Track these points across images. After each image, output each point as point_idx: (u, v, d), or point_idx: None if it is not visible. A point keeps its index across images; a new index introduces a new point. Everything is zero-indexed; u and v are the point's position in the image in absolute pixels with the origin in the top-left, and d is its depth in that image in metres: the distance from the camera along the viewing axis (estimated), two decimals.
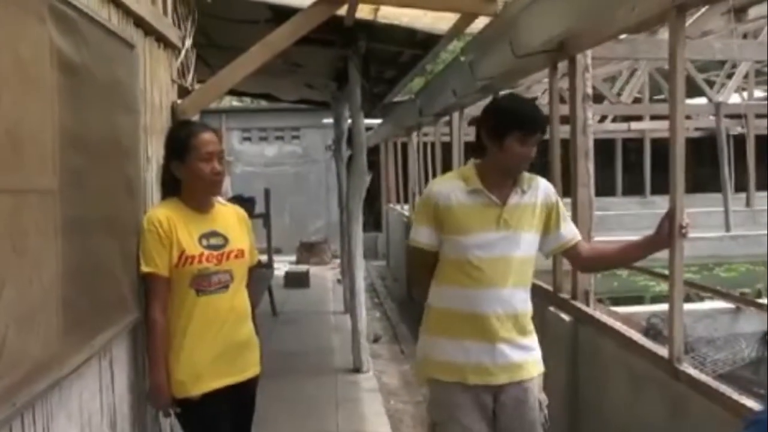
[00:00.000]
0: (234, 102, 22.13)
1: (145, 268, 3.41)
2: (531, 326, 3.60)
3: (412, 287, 4.03)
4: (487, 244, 3.44)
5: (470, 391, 3.50)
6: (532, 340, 3.59)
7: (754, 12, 6.52)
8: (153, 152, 3.81)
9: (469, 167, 3.60)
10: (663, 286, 4.34)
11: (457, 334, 3.49)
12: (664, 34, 4.52)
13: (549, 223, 3.60)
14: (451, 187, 3.54)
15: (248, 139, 21.67)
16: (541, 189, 3.59)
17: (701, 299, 7.63)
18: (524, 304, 3.55)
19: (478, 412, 3.52)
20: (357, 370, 7.97)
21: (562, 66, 5.61)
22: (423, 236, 3.57)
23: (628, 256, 3.76)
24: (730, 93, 13.80)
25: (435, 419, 3.62)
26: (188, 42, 4.65)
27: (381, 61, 8.48)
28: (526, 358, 3.55)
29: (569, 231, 3.66)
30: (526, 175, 3.56)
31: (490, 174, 3.50)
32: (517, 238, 3.48)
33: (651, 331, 5.86)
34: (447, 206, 3.49)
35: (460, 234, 3.46)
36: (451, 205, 3.48)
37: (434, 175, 12.48)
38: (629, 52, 6.57)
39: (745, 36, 9.20)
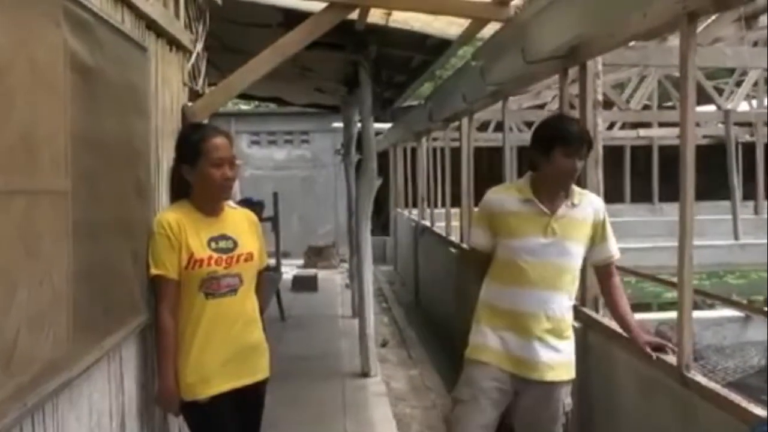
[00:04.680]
0: (243, 105, 22.15)
1: (154, 271, 3.41)
2: (569, 332, 3.91)
3: (472, 278, 4.37)
4: (534, 248, 3.79)
5: (498, 379, 3.82)
6: (568, 345, 3.90)
7: (764, 19, 6.52)
8: (164, 155, 3.81)
9: (525, 179, 3.94)
10: (672, 294, 4.35)
11: (499, 326, 3.86)
12: (674, 41, 4.52)
13: (595, 237, 3.92)
14: (505, 196, 3.92)
15: (257, 142, 21.68)
16: (592, 204, 3.93)
17: (710, 307, 7.60)
18: (563, 309, 3.85)
19: (498, 400, 3.84)
20: (365, 374, 7.97)
21: (573, 72, 5.60)
22: (478, 238, 4.00)
23: (618, 321, 4.16)
24: (740, 101, 13.77)
25: (459, 396, 3.92)
26: (199, 45, 4.66)
27: (391, 65, 8.48)
28: (558, 360, 3.83)
29: (607, 249, 3.98)
30: (577, 190, 3.93)
31: (542, 186, 3.84)
32: (562, 246, 3.81)
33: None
34: (501, 212, 3.88)
35: (511, 238, 3.83)
36: (505, 212, 3.86)
37: (443, 181, 12.49)
38: (640, 58, 6.57)
39: (755, 44, 9.18)
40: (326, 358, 8.85)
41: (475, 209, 4.60)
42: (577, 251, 3.85)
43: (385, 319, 12.14)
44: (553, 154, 3.74)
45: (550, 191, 3.82)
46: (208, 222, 3.56)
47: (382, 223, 19.64)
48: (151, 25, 3.67)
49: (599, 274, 4.14)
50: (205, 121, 4.44)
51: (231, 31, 6.68)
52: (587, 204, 3.90)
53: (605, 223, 3.94)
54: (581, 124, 4.02)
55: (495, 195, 3.98)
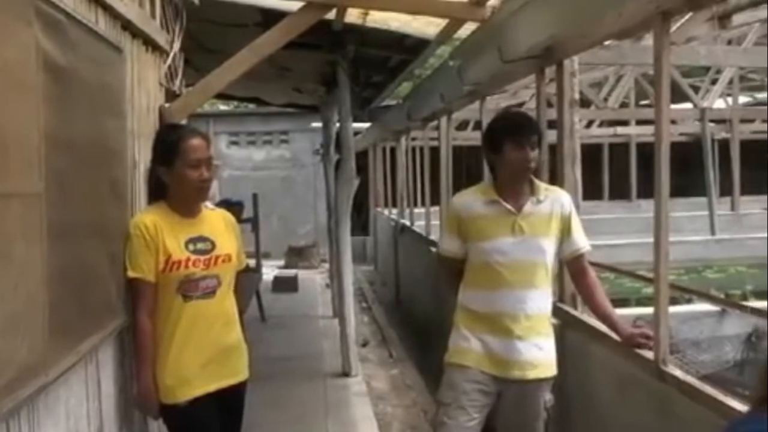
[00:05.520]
0: (221, 106, 22.07)
1: (131, 273, 3.38)
2: (549, 329, 3.93)
3: (446, 289, 4.43)
4: (505, 249, 3.79)
5: (480, 382, 3.82)
6: (548, 341, 3.92)
7: (738, 19, 6.55)
8: (140, 156, 3.78)
9: (488, 181, 4.02)
10: (650, 289, 4.38)
11: (478, 329, 3.85)
12: (649, 40, 4.53)
13: (563, 232, 3.92)
14: (471, 200, 3.93)
15: (236, 143, 21.62)
16: (558, 199, 3.93)
17: (688, 302, 7.65)
18: (540, 305, 3.87)
19: (482, 403, 3.83)
20: (346, 374, 7.95)
21: (550, 71, 5.61)
22: (449, 245, 4.01)
23: (599, 317, 4.15)
24: (715, 98, 13.85)
25: (443, 400, 3.91)
26: (176, 45, 4.62)
27: (370, 65, 8.47)
28: (540, 358, 3.84)
29: (574, 242, 3.96)
30: (543, 185, 3.95)
31: (504, 186, 3.86)
32: (532, 243, 3.81)
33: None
34: (468, 217, 3.89)
35: (481, 240, 3.84)
36: (472, 216, 3.88)
37: (423, 180, 12.50)
38: (615, 57, 6.61)
39: (729, 42, 9.24)
40: (307, 359, 8.83)
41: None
42: (548, 247, 3.84)
43: (365, 318, 12.15)
44: (504, 149, 3.77)
45: (513, 189, 3.84)
46: (186, 223, 3.54)
47: (361, 223, 19.63)
48: (127, 26, 3.64)
49: (571, 269, 4.14)
50: (183, 122, 4.41)
51: (208, 31, 6.64)
52: (553, 199, 3.90)
53: (572, 216, 3.94)
54: (527, 114, 4.07)
55: (460, 200, 4.02)
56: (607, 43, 5.36)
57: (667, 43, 3.74)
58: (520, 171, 3.80)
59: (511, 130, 3.77)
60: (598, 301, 4.03)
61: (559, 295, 5.15)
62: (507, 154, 3.76)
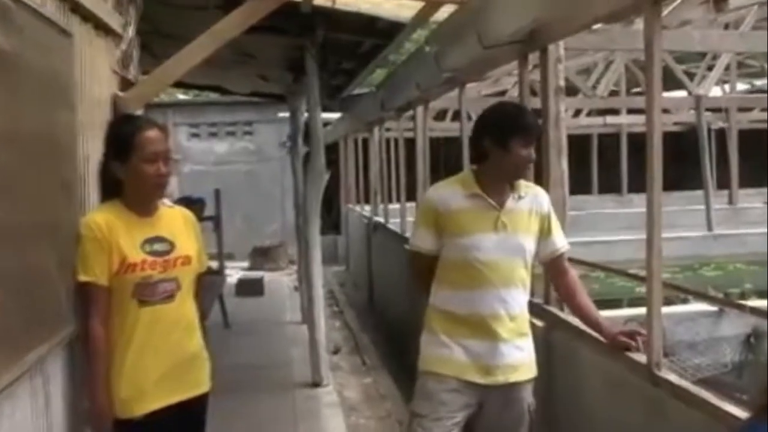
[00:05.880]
0: (180, 95, 21.96)
1: (82, 277, 3.35)
2: (527, 329, 3.96)
3: (415, 289, 4.44)
4: (485, 245, 3.81)
5: (460, 391, 3.82)
6: (528, 342, 3.96)
7: (735, 1, 6.61)
8: (91, 150, 3.76)
9: (467, 173, 3.98)
10: (642, 289, 4.41)
11: (458, 334, 3.85)
12: (640, 24, 4.56)
13: (542, 231, 3.97)
14: (449, 192, 3.93)
15: (197, 135, 21.53)
16: (537, 197, 3.99)
17: (683, 301, 7.70)
18: (522, 305, 3.92)
19: (461, 414, 3.83)
20: (316, 384, 7.94)
21: (533, 57, 5.64)
22: (422, 240, 3.99)
23: (582, 319, 4.21)
24: (711, 85, 13.96)
25: (417, 411, 3.90)
26: (131, 29, 4.60)
27: (340, 51, 8.46)
28: (523, 360, 3.91)
29: (553, 242, 4.03)
30: (522, 182, 3.96)
31: (488, 179, 3.87)
32: (514, 241, 3.85)
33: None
34: (447, 210, 3.87)
35: (460, 236, 3.83)
36: (451, 210, 3.86)
37: (398, 174, 12.51)
38: (604, 42, 6.63)
39: (726, 26, 9.32)
40: (274, 368, 8.81)
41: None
42: (528, 245, 3.89)
43: (336, 323, 12.15)
44: (511, 145, 3.77)
45: (498, 184, 3.87)
46: (142, 223, 3.52)
47: (332, 221, 19.61)
48: (76, 8, 3.62)
49: (551, 270, 4.21)
50: (139, 113, 4.40)
51: (166, 14, 6.61)
52: (533, 196, 3.96)
53: (551, 215, 4.01)
54: (532, 112, 4.09)
55: (438, 192, 4.01)
56: (595, 27, 5.37)
57: (659, 28, 3.77)
58: (521, 170, 3.87)
59: (523, 128, 3.80)
60: (580, 302, 4.08)
61: (545, 297, 5.18)
62: (514, 151, 3.77)
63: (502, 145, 3.78)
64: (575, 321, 4.70)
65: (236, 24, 4.88)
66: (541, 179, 5.21)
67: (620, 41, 6.66)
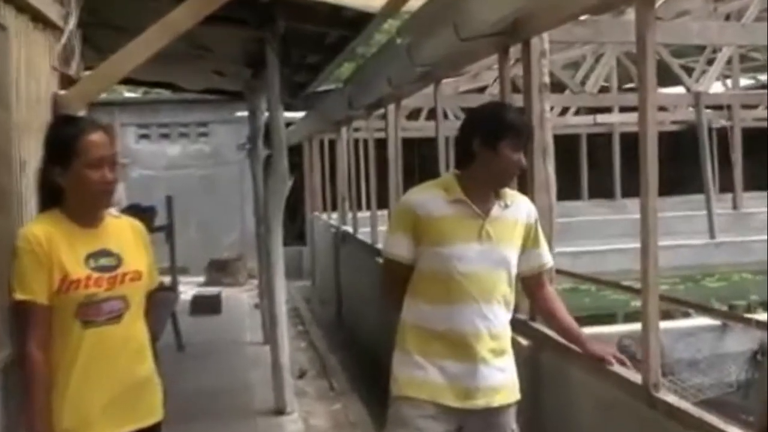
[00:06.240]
0: (128, 93, 21.89)
1: (19, 295, 3.33)
2: (509, 348, 3.98)
3: (385, 302, 4.40)
4: (469, 256, 3.82)
5: (437, 417, 3.83)
6: (510, 362, 3.98)
7: None
8: (29, 155, 3.75)
9: (450, 177, 4.00)
10: (638, 302, 4.45)
11: (435, 353, 3.85)
12: (632, 14, 4.61)
13: (526, 242, 4.00)
14: (430, 197, 3.93)
15: (146, 136, 21.48)
16: (523, 206, 4.03)
17: (684, 315, 7.75)
18: (504, 323, 3.94)
19: None
20: (280, 411, 7.94)
21: (515, 51, 5.67)
22: (399, 248, 3.97)
23: (562, 334, 4.30)
24: (712, 81, 14.08)
25: None
26: (72, 21, 4.60)
27: (303, 43, 8.48)
28: (505, 382, 3.93)
29: (539, 255, 4.08)
30: (508, 190, 3.98)
31: (474, 184, 3.88)
32: (498, 253, 3.88)
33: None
34: (427, 216, 3.86)
35: (440, 245, 3.83)
36: (432, 216, 3.86)
37: (368, 178, 12.53)
38: (592, 35, 6.67)
39: (727, 17, 9.40)
40: (233, 394, 8.80)
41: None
42: (512, 257, 3.92)
43: (302, 344, 12.13)
44: (501, 148, 3.79)
45: (483, 190, 3.88)
46: (86, 235, 3.51)
47: (296, 231, 19.62)
48: None
49: (530, 285, 4.21)
50: (81, 113, 4.39)
51: (111, 4, 6.60)
52: (519, 205, 4.00)
53: (537, 226, 4.04)
54: (525, 114, 4.12)
55: (417, 196, 3.99)
56: (582, 17, 5.42)
57: (652, 19, 3.82)
58: (510, 175, 3.91)
59: (514, 129, 3.83)
60: (561, 317, 4.16)
61: (530, 313, 5.22)
62: (503, 155, 3.79)
63: (491, 147, 3.80)
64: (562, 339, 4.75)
65: (190, 14, 4.87)
66: (525, 184, 5.24)
67: (610, 33, 6.73)
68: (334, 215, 16.04)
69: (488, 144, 3.81)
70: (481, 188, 3.88)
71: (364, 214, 13.25)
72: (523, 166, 3.91)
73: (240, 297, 15.92)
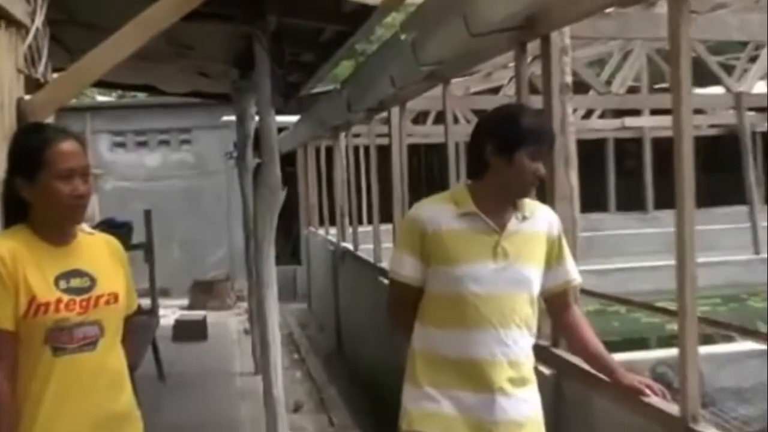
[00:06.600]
0: (101, 97, 21.94)
1: None
2: (533, 377, 3.94)
3: (392, 329, 4.38)
4: (482, 276, 3.79)
5: None
6: (533, 393, 3.94)
7: None
8: None
9: (461, 188, 4.00)
10: (674, 325, 4.43)
11: (448, 384, 3.83)
12: (663, 6, 4.62)
13: (550, 258, 3.97)
14: (439, 210, 3.91)
15: (122, 144, 21.52)
16: (545, 217, 4.00)
17: (728, 340, 7.74)
18: (526, 349, 3.90)
19: None
20: None
21: (533, 47, 5.67)
22: (407, 268, 3.95)
23: (589, 362, 4.25)
24: (754, 81, 14.02)
25: None
26: (39, 19, 4.61)
27: (297, 40, 8.49)
28: (527, 415, 3.88)
29: (565, 271, 4.04)
30: (527, 201, 3.95)
31: (488, 196, 3.86)
32: (517, 271, 3.84)
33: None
34: (436, 232, 3.85)
35: (451, 264, 3.81)
36: (441, 231, 3.84)
37: (369, 189, 12.53)
38: (619, 29, 6.66)
39: None
40: (220, 430, 8.80)
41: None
42: (534, 275, 3.89)
43: (297, 374, 12.15)
44: (518, 157, 3.76)
45: (498, 202, 3.86)
46: (56, 254, 3.52)
47: (290, 248, 19.65)
48: None
49: (554, 305, 4.16)
50: (49, 120, 4.40)
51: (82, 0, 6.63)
52: (540, 217, 3.97)
53: (561, 239, 4.01)
54: (547, 118, 4.05)
55: (425, 210, 3.97)
56: (608, 10, 5.42)
57: (687, 12, 3.81)
58: (528, 187, 3.86)
59: (534, 136, 3.79)
60: (588, 341, 4.11)
61: (552, 338, 5.21)
62: (519, 164, 3.75)
63: (506, 155, 3.78)
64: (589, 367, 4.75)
65: (171, 9, 4.89)
66: (544, 194, 5.24)
67: (639, 28, 6.72)
68: (332, 230, 16.03)
69: (503, 152, 3.78)
70: (495, 200, 3.85)
71: (365, 229, 13.25)
72: (542, 176, 3.87)
73: (227, 322, 15.95)
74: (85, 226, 3.72)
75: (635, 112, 17.51)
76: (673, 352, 4.26)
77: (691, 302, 3.84)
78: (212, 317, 15.47)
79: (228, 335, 14.58)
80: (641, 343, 10.35)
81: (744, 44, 13.70)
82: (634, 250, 14.65)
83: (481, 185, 3.89)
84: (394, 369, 4.28)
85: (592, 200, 15.84)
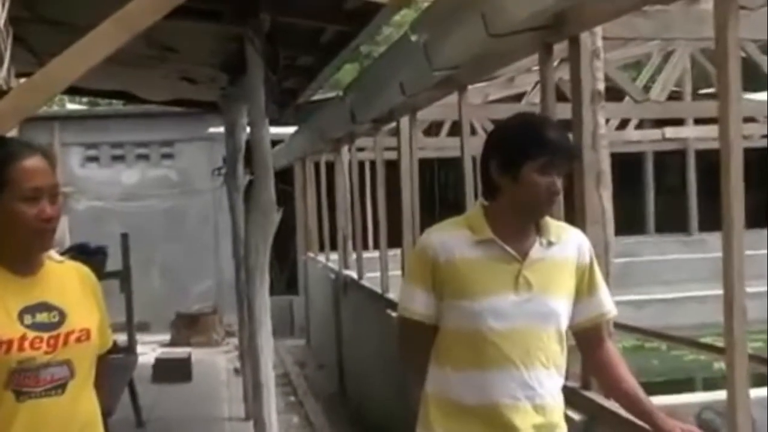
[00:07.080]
0: (71, 105, 21.98)
1: None
2: (562, 421, 3.92)
3: (405, 371, 4.46)
4: (504, 310, 3.74)
5: None
6: None
7: None
8: None
9: (476, 212, 3.95)
10: (722, 364, 4.42)
11: (463, 430, 3.81)
12: (708, 2, 4.62)
13: (580, 289, 3.92)
14: (453, 237, 3.86)
15: (95, 159, 21.56)
16: (574, 242, 3.94)
17: None
18: (554, 391, 3.86)
19: None
20: None
21: (560, 49, 5.68)
22: (418, 304, 3.90)
23: (626, 405, 4.18)
24: None
25: None
26: (2, 17, 4.63)
27: (293, 41, 8.52)
28: None
29: (598, 303, 3.97)
30: (553, 223, 3.93)
31: (504, 220, 3.83)
32: (542, 304, 3.79)
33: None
34: (449, 261, 3.81)
35: (467, 298, 3.77)
36: (455, 261, 3.80)
37: (375, 210, 12.54)
38: (658, 28, 6.66)
39: None
40: None
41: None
42: (563, 308, 3.84)
43: (294, 419, 12.18)
44: (524, 173, 3.70)
45: (517, 226, 3.81)
46: (20, 284, 3.52)
47: (287, 277, 19.65)
48: None
49: (585, 341, 4.09)
50: (12, 133, 4.40)
51: None
52: (568, 241, 3.91)
53: (594, 266, 3.96)
54: (558, 125, 3.95)
55: (437, 237, 3.92)
56: (646, 7, 5.43)
57: (735, 7, 3.81)
58: (540, 206, 3.79)
59: (538, 146, 3.70)
60: (623, 383, 4.05)
61: (582, 379, 5.21)
62: (525, 180, 3.70)
63: (511, 172, 3.73)
64: (625, 411, 4.74)
65: (152, 7, 4.90)
66: (573, 216, 5.24)
67: (681, 26, 6.71)
68: (334, 256, 16.04)
69: (507, 169, 3.74)
70: (513, 224, 3.81)
71: (371, 255, 13.26)
72: (558, 193, 3.79)
73: (215, 360, 15.97)
74: (53, 253, 3.72)
75: (677, 122, 17.49)
76: (721, 394, 4.25)
77: (740, 338, 3.82)
78: (197, 355, 15.47)
79: (215, 375, 14.58)
80: (684, 385, 10.34)
81: None
82: (676, 278, 14.65)
83: (495, 207, 3.86)
84: (404, 414, 4.27)
85: (629, 222, 15.87)
